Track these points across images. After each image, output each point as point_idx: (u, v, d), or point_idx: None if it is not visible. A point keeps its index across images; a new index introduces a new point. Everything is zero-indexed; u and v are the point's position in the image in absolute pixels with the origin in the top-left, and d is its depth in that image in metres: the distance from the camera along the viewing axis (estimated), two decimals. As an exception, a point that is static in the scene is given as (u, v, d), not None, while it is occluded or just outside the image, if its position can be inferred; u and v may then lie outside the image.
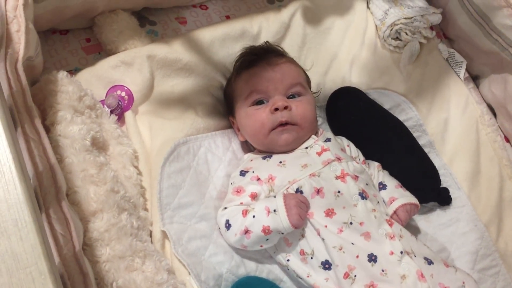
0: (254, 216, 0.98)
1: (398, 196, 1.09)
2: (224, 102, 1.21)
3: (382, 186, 1.12)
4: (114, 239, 0.87)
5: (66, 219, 0.76)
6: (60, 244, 0.73)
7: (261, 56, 1.13)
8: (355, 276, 0.96)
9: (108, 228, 0.87)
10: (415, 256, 0.99)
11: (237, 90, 1.13)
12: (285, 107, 1.07)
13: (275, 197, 1.01)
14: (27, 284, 0.54)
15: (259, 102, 1.10)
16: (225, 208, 1.04)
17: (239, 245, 1.02)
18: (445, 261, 1.03)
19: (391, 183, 1.13)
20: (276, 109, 1.07)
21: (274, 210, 0.97)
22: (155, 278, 0.87)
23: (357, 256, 0.97)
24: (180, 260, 0.97)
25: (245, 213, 1.00)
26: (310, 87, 1.19)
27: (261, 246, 1.02)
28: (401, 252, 0.98)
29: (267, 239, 1.00)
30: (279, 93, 1.09)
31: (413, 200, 1.10)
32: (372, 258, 0.97)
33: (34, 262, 0.55)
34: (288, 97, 1.10)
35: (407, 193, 1.11)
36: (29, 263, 0.55)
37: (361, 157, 1.16)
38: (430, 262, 0.99)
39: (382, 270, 0.97)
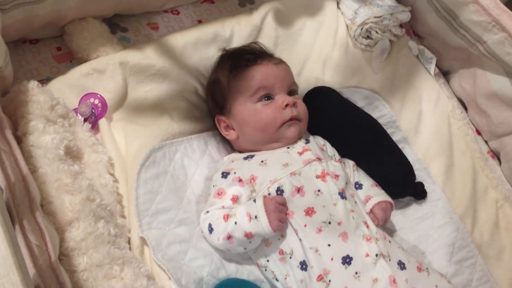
0: (236, 223, 0.99)
1: (374, 194, 1.11)
2: (209, 101, 1.21)
3: (359, 186, 1.14)
4: (91, 248, 0.87)
5: (41, 230, 0.75)
6: (35, 255, 0.72)
7: (261, 55, 1.16)
8: (329, 281, 0.98)
9: (84, 237, 0.87)
10: (389, 260, 1.00)
11: (237, 88, 1.13)
12: (294, 104, 1.12)
13: (255, 201, 1.01)
14: (0, 295, 0.54)
15: (266, 98, 1.12)
16: (207, 212, 1.04)
17: (223, 248, 1.03)
18: (419, 264, 1.04)
19: (367, 182, 1.15)
20: (286, 105, 1.11)
21: (255, 216, 0.98)
22: (134, 285, 0.87)
23: (332, 259, 0.98)
24: (160, 266, 0.97)
25: (226, 217, 1.00)
26: None
27: (245, 248, 1.03)
28: (377, 255, 1.00)
29: (250, 242, 1.01)
30: (283, 91, 1.13)
31: (388, 198, 1.12)
32: (346, 261, 0.99)
33: (6, 273, 0.54)
34: (289, 94, 1.14)
35: (382, 191, 1.13)
36: (1, 275, 0.54)
37: (337, 156, 1.18)
38: (403, 267, 1.01)
39: (356, 273, 0.98)
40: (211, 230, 1.02)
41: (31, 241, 0.72)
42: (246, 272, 1.06)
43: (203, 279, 1.01)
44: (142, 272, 0.91)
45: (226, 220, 1.00)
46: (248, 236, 0.98)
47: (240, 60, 1.15)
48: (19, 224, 0.72)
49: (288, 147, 1.11)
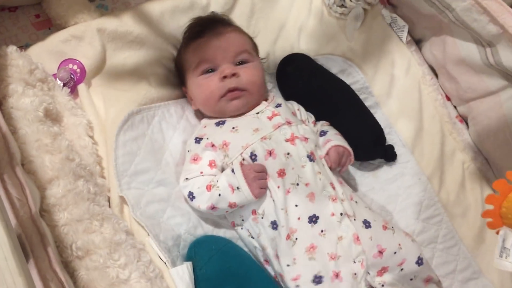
0: (220, 195, 1.03)
1: (334, 139, 1.14)
2: (175, 73, 1.24)
3: (323, 133, 1.17)
4: (71, 204, 0.91)
5: (21, 184, 0.79)
6: (17, 207, 0.76)
7: (207, 27, 1.17)
8: (296, 238, 1.03)
9: (64, 194, 0.91)
10: (354, 219, 1.06)
11: (187, 61, 1.17)
12: (233, 74, 1.11)
13: (233, 170, 1.04)
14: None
15: (208, 71, 1.14)
16: (187, 179, 1.08)
17: (205, 213, 1.09)
18: (385, 223, 1.10)
19: (332, 131, 1.18)
20: (225, 77, 1.11)
21: (238, 188, 1.03)
22: (113, 239, 0.92)
23: (299, 218, 1.03)
24: (139, 222, 1.01)
25: (209, 188, 1.05)
26: (257, 54, 1.23)
27: (226, 211, 1.08)
28: (341, 214, 1.05)
29: (233, 208, 1.06)
30: (227, 61, 1.13)
31: (347, 146, 1.14)
32: (313, 220, 1.04)
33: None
34: (236, 65, 1.15)
35: (344, 140, 1.16)
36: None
37: (312, 119, 1.22)
38: (368, 226, 1.06)
39: (322, 231, 1.04)
40: (192, 198, 1.07)
41: (11, 194, 0.76)
42: (222, 230, 1.12)
43: (181, 236, 1.07)
44: (121, 228, 0.96)
45: (209, 190, 1.04)
46: (232, 205, 1.04)
47: (190, 33, 1.18)
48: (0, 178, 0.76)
49: (258, 113, 1.15)
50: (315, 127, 1.20)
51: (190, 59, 1.16)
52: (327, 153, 1.13)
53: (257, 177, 1.04)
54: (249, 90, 1.13)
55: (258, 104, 1.17)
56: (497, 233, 0.83)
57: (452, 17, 1.28)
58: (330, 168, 1.11)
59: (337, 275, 1.03)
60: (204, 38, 1.15)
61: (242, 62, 1.16)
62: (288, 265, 1.03)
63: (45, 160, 0.92)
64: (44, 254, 0.76)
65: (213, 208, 1.05)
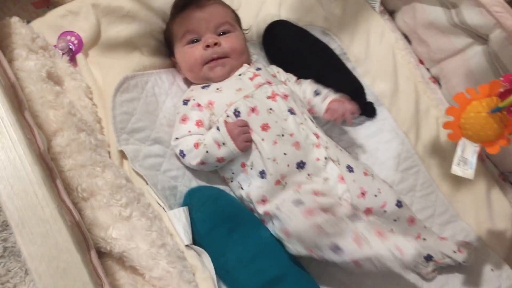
0: (207, 152, 1.12)
1: (330, 95, 1.23)
2: (165, 44, 1.34)
3: (317, 92, 1.25)
4: (75, 152, 0.99)
5: (30, 126, 0.88)
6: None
7: (191, 0, 1.27)
8: (285, 183, 1.12)
9: (68, 143, 0.99)
10: (339, 164, 1.16)
11: (174, 33, 1.27)
12: (215, 44, 1.22)
13: (218, 128, 1.13)
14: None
15: (193, 41, 1.24)
16: (177, 138, 1.18)
17: (196, 168, 1.17)
18: (366, 170, 1.19)
19: (326, 89, 1.26)
20: (208, 46, 1.21)
21: (224, 143, 1.12)
22: (115, 182, 1.00)
23: (288, 165, 1.13)
24: (138, 172, 1.10)
25: (197, 146, 1.14)
26: (240, 25, 1.33)
27: (216, 166, 1.17)
28: (326, 158, 1.15)
29: (222, 163, 1.15)
30: (209, 32, 1.24)
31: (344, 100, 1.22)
32: (300, 165, 1.13)
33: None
34: (219, 35, 1.25)
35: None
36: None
37: (293, 79, 1.32)
38: (351, 170, 1.16)
39: (308, 175, 1.13)
40: (183, 155, 1.16)
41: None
42: (216, 182, 1.21)
43: (177, 187, 1.15)
44: (121, 174, 1.05)
45: (196, 148, 1.14)
46: (220, 160, 1.13)
47: (176, 7, 1.29)
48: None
49: (240, 75, 1.24)
50: (298, 85, 1.30)
51: (176, 30, 1.26)
52: (328, 108, 1.20)
53: (241, 131, 1.12)
54: (230, 56, 1.24)
55: (240, 67, 1.26)
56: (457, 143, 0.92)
57: (419, -17, 1.39)
58: (336, 121, 1.19)
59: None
60: (189, 10, 1.25)
61: (224, 33, 1.26)
62: (277, 208, 1.12)
63: (49, 114, 1.01)
64: (53, 185, 0.85)
65: (202, 163, 1.14)
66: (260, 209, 1.13)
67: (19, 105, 0.89)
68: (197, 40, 1.24)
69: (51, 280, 0.64)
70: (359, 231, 1.03)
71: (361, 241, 1.01)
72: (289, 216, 1.05)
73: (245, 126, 1.14)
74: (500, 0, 1.23)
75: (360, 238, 1.01)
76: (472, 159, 0.93)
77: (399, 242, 1.01)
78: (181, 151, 1.16)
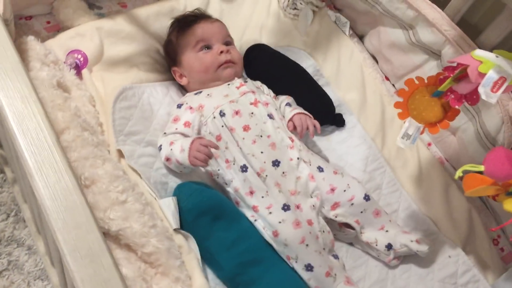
0: (171, 150, 1.27)
1: (298, 109, 1.42)
2: (166, 58, 1.53)
3: (288, 105, 1.45)
4: (80, 147, 1.15)
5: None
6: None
7: (200, 17, 1.50)
8: (266, 175, 1.29)
9: (74, 139, 1.16)
10: (310, 165, 1.34)
11: (183, 43, 1.46)
12: (227, 51, 1.45)
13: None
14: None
15: (206, 48, 1.45)
16: (165, 133, 1.34)
17: (167, 164, 1.31)
18: (336, 170, 1.36)
19: (294, 104, 1.46)
20: (222, 52, 1.43)
21: (184, 150, 1.24)
22: (113, 172, 1.16)
23: (265, 162, 1.30)
24: (133, 168, 1.26)
25: (171, 144, 1.29)
26: None
27: (181, 171, 1.30)
28: (298, 158, 1.32)
29: (184, 167, 1.29)
30: (218, 42, 1.46)
31: (309, 114, 1.42)
32: (276, 163, 1.31)
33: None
34: (225, 45, 1.46)
35: (306, 112, 1.43)
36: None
37: (272, 94, 1.51)
38: (321, 170, 1.34)
39: (283, 172, 1.30)
40: (160, 149, 1.32)
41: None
42: (205, 181, 1.37)
43: (167, 183, 1.31)
44: (119, 167, 1.21)
45: (170, 145, 1.29)
46: (178, 162, 1.27)
47: (185, 21, 1.50)
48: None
49: (229, 84, 1.44)
50: (276, 101, 1.48)
51: (189, 39, 1.45)
52: (291, 119, 1.40)
53: (200, 149, 1.23)
54: (237, 63, 1.47)
55: (240, 74, 1.48)
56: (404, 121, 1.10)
57: (381, 9, 1.60)
58: (293, 131, 1.39)
59: (298, 207, 1.28)
60: (201, 23, 1.47)
61: (228, 43, 1.49)
62: (262, 197, 1.27)
63: (58, 115, 1.18)
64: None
65: (167, 160, 1.28)
66: (248, 200, 1.28)
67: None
68: (208, 48, 1.44)
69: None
70: (333, 267, 1.23)
71: (330, 277, 1.22)
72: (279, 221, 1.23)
73: (210, 147, 1.25)
74: (448, 20, 1.43)
75: (329, 274, 1.21)
76: (415, 135, 1.10)
77: None
78: (160, 145, 1.32)
